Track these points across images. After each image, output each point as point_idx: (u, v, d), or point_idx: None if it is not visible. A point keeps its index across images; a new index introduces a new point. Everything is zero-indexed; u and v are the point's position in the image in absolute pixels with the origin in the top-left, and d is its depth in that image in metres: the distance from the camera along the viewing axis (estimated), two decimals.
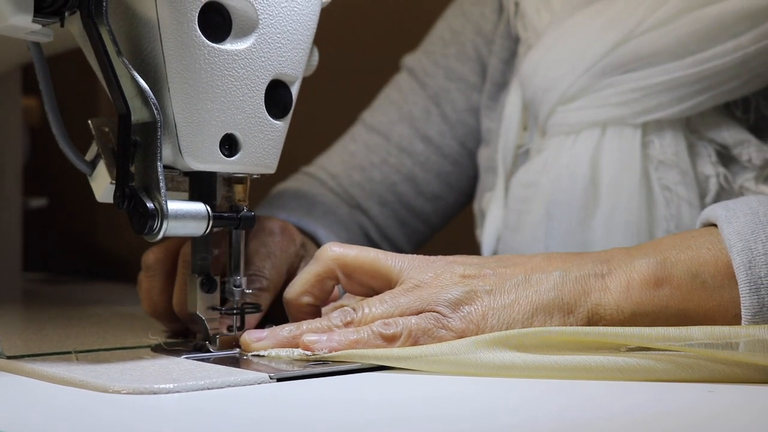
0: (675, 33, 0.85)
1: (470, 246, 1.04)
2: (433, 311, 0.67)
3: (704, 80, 0.84)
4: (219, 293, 0.71)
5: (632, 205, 0.86)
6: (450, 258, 0.72)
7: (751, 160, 0.84)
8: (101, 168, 0.67)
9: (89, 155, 0.68)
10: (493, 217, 0.98)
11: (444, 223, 1.15)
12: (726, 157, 0.85)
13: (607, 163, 0.87)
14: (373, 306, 0.69)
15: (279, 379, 0.61)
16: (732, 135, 0.85)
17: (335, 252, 0.72)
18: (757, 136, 0.85)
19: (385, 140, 1.11)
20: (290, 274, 0.79)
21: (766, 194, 0.82)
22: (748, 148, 0.84)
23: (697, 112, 0.85)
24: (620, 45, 0.87)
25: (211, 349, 0.69)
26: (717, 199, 0.85)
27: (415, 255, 0.73)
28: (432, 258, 0.72)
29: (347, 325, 0.68)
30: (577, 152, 0.89)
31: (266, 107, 0.69)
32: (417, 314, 0.67)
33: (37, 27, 0.63)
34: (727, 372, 0.61)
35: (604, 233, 0.87)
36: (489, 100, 1.05)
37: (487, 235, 0.99)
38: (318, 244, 0.93)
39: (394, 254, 0.72)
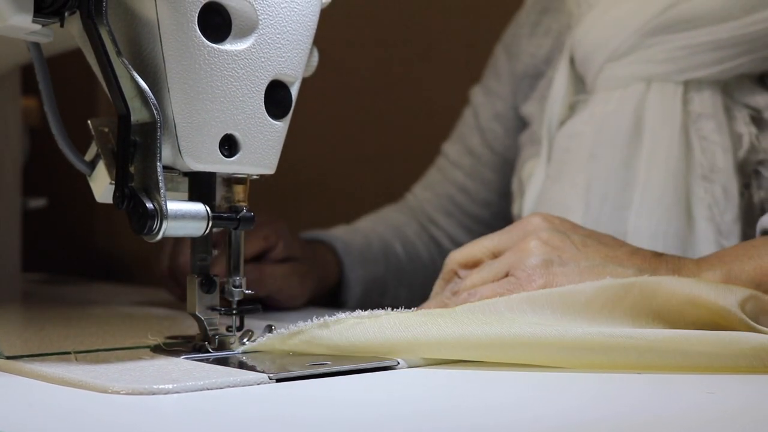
0: None
1: None
2: (513, 276, 0.74)
3: (743, 44, 0.92)
4: (218, 293, 0.71)
5: (672, 151, 0.93)
6: (539, 221, 0.78)
7: None
8: (101, 168, 0.67)
9: (89, 155, 0.68)
10: (537, 179, 1.05)
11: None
12: (758, 120, 0.93)
13: (650, 112, 0.95)
14: (473, 274, 0.77)
15: (278, 380, 0.61)
16: (765, 99, 0.93)
17: (455, 257, 0.80)
18: None
19: (446, 160, 1.26)
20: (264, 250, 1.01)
21: None
22: None
23: (735, 74, 0.93)
24: (670, 7, 0.95)
25: (210, 350, 0.69)
26: (749, 154, 0.93)
27: (508, 227, 0.81)
28: (524, 222, 0.79)
29: (454, 294, 0.77)
30: (623, 103, 0.97)
31: (266, 108, 0.68)
32: (504, 277, 0.75)
33: (37, 27, 0.63)
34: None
35: (645, 173, 0.94)
36: (528, 89, 1.15)
37: (529, 196, 1.05)
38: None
39: (488, 237, 0.80)
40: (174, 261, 1.01)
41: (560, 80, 1.05)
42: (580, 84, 1.04)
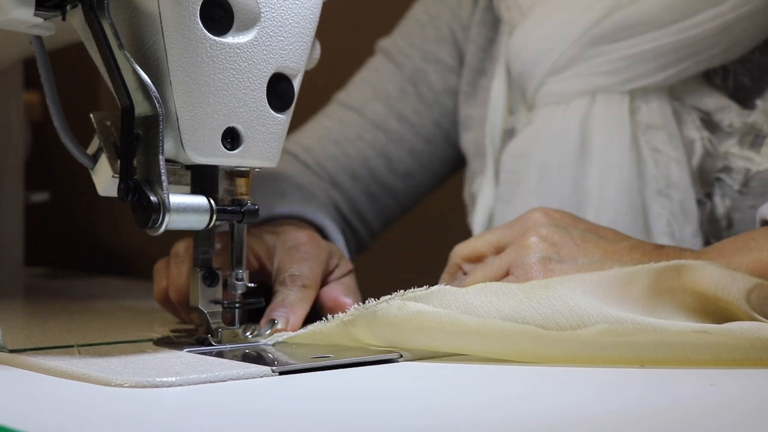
0: (659, 2, 0.89)
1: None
2: (512, 274, 0.74)
3: (687, 47, 0.88)
4: (221, 287, 0.71)
5: (623, 166, 0.90)
6: (539, 216, 0.77)
7: (732, 124, 0.88)
8: (103, 162, 0.67)
9: (91, 149, 0.68)
10: (484, 198, 1.01)
11: (413, 203, 1.17)
12: (709, 123, 0.90)
13: (596, 127, 0.91)
14: (475, 271, 0.77)
15: (281, 373, 0.61)
16: (713, 101, 0.89)
17: (460, 251, 0.80)
18: (737, 102, 0.89)
19: (360, 117, 1.12)
20: (324, 277, 0.82)
21: (750, 159, 0.87)
22: (729, 113, 0.88)
23: (680, 78, 0.90)
24: (607, 15, 0.90)
25: (213, 343, 0.69)
26: (704, 161, 0.89)
27: (511, 221, 0.80)
28: (525, 218, 0.78)
29: None
30: (567, 119, 0.93)
31: (268, 100, 0.68)
32: (505, 274, 0.74)
33: (39, 21, 0.63)
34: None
35: (598, 191, 0.91)
36: (468, 87, 1.08)
37: (478, 214, 1.01)
38: (326, 237, 0.96)
39: (492, 231, 0.79)
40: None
41: (498, 92, 1.00)
42: (520, 96, 0.99)
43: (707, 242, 0.88)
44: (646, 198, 0.90)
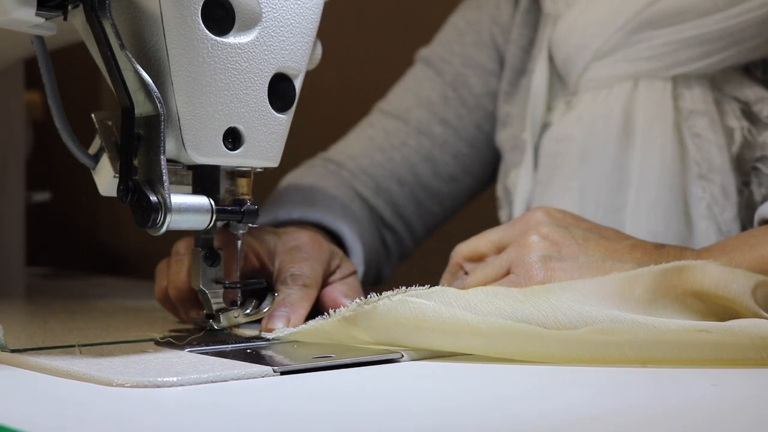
0: None
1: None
2: (513, 273, 0.74)
3: (730, 36, 0.90)
4: (222, 267, 0.71)
5: (665, 149, 0.92)
6: (540, 216, 0.78)
7: None
8: (104, 162, 0.67)
9: (92, 149, 0.68)
10: (522, 187, 1.02)
11: (456, 208, 1.18)
12: (748, 114, 0.91)
13: (640, 111, 0.93)
14: (476, 270, 0.77)
15: (283, 373, 0.61)
16: (753, 92, 0.91)
17: (461, 251, 0.81)
18: None
19: (404, 124, 1.14)
20: (325, 278, 0.83)
21: None
22: (767, 105, 0.90)
23: (722, 67, 0.92)
24: (654, 3, 0.92)
25: (215, 326, 0.70)
26: (742, 150, 0.91)
27: (512, 221, 0.81)
28: (527, 217, 0.79)
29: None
30: (611, 103, 0.95)
31: (269, 100, 0.69)
32: (505, 273, 0.75)
33: (40, 20, 0.63)
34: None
35: (639, 174, 0.92)
36: (509, 86, 1.10)
37: (517, 205, 1.02)
38: (342, 245, 0.98)
39: (493, 230, 0.79)
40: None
41: (540, 82, 1.02)
42: (560, 84, 1.02)
43: (744, 229, 0.90)
44: (688, 182, 0.91)
